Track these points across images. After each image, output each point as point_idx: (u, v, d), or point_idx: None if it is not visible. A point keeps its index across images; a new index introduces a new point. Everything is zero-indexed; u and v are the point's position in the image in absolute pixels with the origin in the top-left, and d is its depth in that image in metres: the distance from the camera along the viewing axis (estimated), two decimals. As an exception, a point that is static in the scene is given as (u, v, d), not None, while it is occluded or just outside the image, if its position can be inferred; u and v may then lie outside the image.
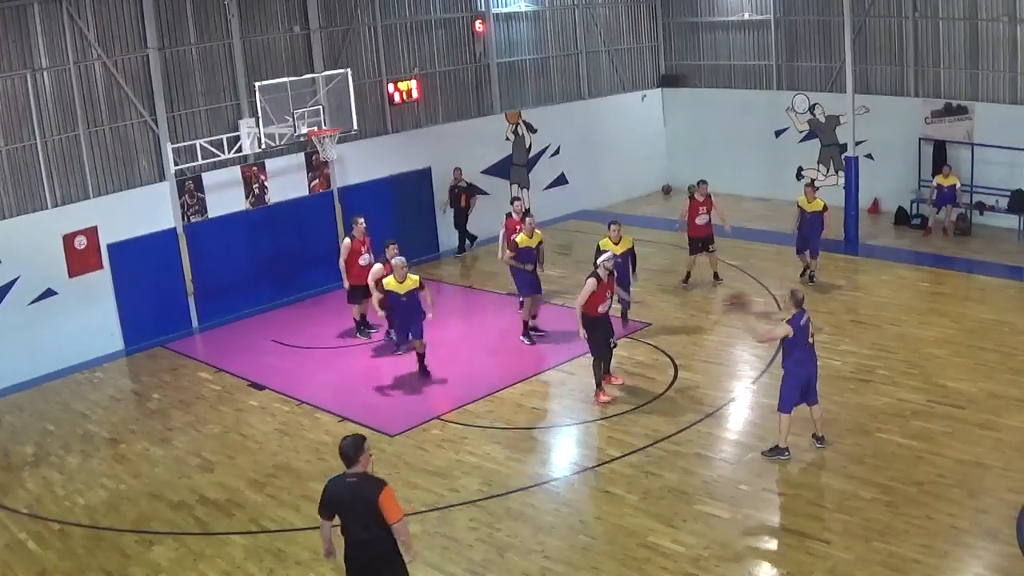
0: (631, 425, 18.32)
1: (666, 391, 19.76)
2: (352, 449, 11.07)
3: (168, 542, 15.75)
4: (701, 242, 25.85)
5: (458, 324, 24.91)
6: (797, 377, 16.32)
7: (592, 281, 19.08)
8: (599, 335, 19.38)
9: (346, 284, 23.83)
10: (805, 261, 25.63)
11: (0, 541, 16.25)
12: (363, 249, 23.74)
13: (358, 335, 24.26)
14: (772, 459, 16.52)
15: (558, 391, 20.37)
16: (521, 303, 23.62)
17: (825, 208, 25.05)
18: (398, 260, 20.84)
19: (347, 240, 23.92)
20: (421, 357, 21.31)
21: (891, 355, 20.54)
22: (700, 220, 25.65)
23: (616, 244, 21.94)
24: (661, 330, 22.78)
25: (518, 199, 26.06)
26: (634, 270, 22.55)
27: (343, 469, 11.12)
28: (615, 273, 19.84)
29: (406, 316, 21.03)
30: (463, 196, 30.67)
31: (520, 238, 22.99)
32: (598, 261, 19.68)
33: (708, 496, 15.60)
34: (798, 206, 25.32)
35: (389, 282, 20.82)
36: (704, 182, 25.64)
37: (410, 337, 21.13)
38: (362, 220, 23.98)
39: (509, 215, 24.89)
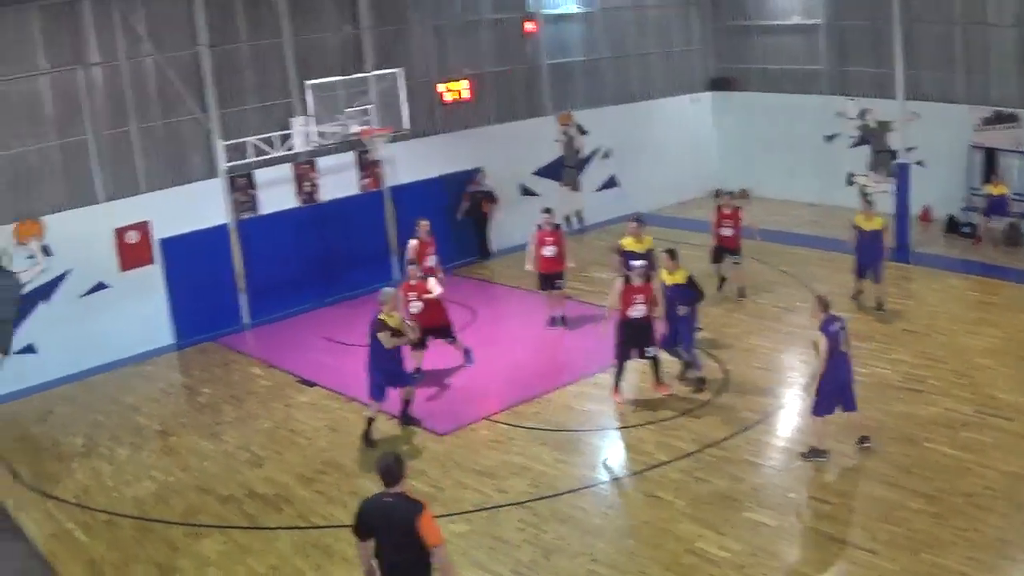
0: (680, 430, 18.12)
1: (716, 396, 19.55)
2: (396, 466, 10.38)
3: (216, 535, 15.76)
4: (725, 252, 25.12)
5: (508, 325, 24.86)
6: (830, 383, 16.19)
7: (620, 281, 19.15)
8: (624, 339, 19.35)
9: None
10: (860, 286, 23.95)
11: (48, 531, 16.35)
12: (430, 251, 23.76)
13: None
14: (812, 461, 16.35)
15: (608, 394, 20.09)
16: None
17: (885, 227, 23.69)
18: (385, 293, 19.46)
19: (413, 241, 23.82)
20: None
21: (940, 364, 20.20)
22: (725, 231, 24.92)
23: (639, 243, 22.09)
24: (711, 335, 22.51)
25: (549, 210, 24.60)
26: (689, 303, 20.14)
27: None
28: (650, 278, 19.63)
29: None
30: (483, 201, 30.34)
31: (626, 241, 22.54)
32: (630, 265, 19.73)
33: (756, 503, 15.40)
34: (854, 226, 23.69)
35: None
36: (730, 193, 25.28)
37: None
38: (427, 223, 24.02)
39: (539, 227, 23.99)
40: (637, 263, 19.69)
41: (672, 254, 20.16)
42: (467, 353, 21.84)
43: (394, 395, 18.99)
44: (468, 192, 30.07)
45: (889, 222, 25.23)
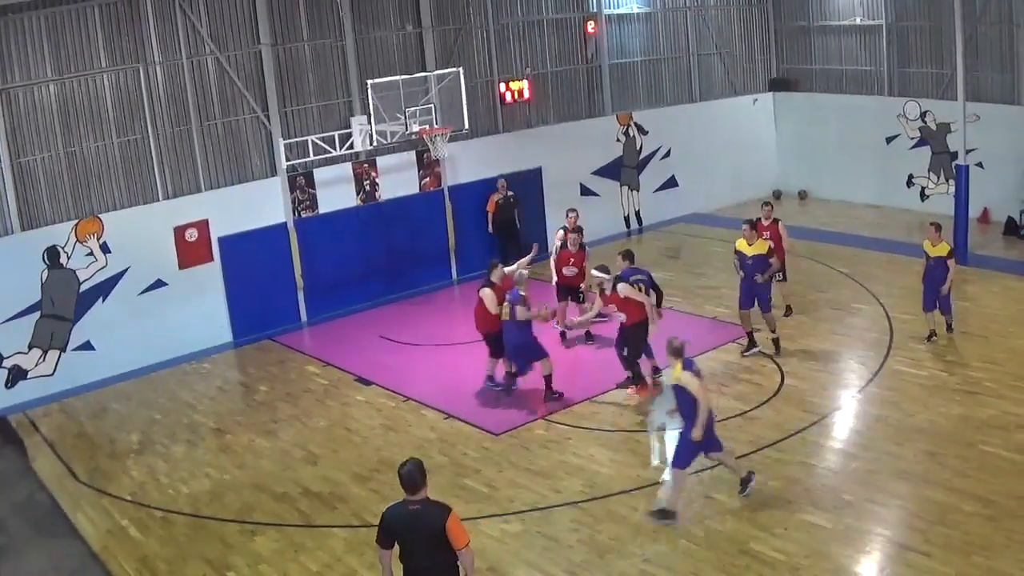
0: (736, 431, 17.82)
1: (772, 398, 19.31)
2: (419, 474, 10.44)
3: (270, 533, 15.72)
4: None
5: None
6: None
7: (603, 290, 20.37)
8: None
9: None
10: (932, 324, 21.49)
11: (103, 527, 16.38)
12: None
13: None
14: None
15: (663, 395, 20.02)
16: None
17: (951, 253, 21.39)
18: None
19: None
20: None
21: (998, 367, 19.83)
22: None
23: (750, 245, 21.55)
24: (768, 336, 22.28)
25: (573, 210, 24.04)
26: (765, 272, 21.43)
27: (429, 476, 10.65)
28: (607, 289, 20.11)
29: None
30: (512, 207, 29.39)
31: (740, 243, 21.88)
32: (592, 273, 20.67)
33: (811, 505, 15.18)
34: (924, 250, 21.82)
35: None
36: (768, 204, 24.30)
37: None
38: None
39: (565, 229, 23.54)
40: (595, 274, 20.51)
41: (752, 225, 21.68)
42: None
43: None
44: (495, 201, 29.24)
45: (943, 218, 24.60)
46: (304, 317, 26.57)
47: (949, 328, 21.69)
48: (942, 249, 21.34)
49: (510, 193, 29.16)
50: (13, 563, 15.40)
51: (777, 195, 36.27)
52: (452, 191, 28.85)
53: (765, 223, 23.48)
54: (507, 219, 29.06)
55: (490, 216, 29.04)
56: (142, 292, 23.79)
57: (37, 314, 22.50)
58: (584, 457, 17.46)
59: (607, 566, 14.05)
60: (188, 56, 24.25)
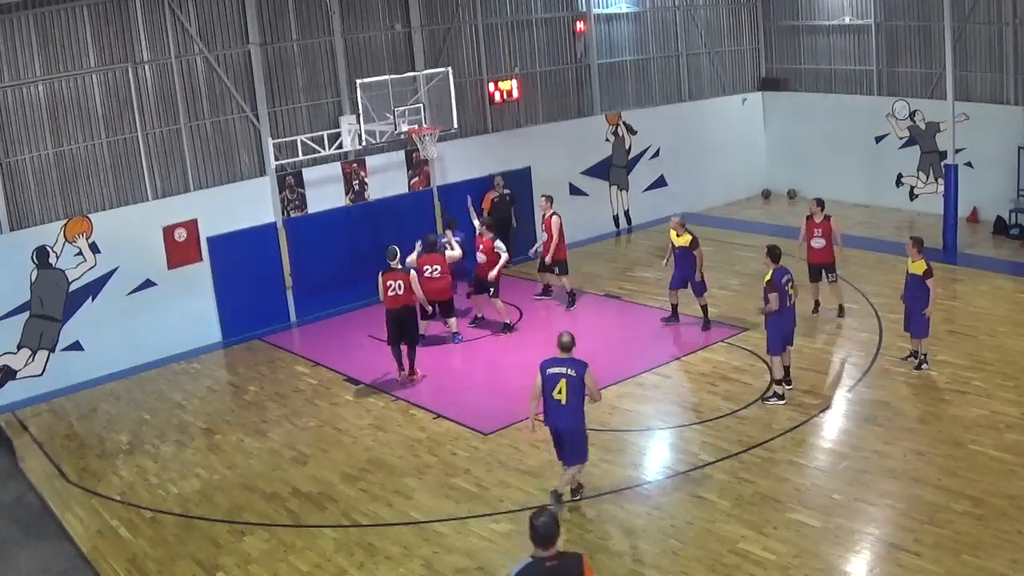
0: (725, 430, 17.97)
1: (761, 397, 19.35)
2: (556, 527, 9.64)
3: (260, 533, 15.71)
4: (819, 269, 23.44)
5: (553, 325, 24.71)
6: (779, 328, 18.87)
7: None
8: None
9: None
10: (914, 344, 20.39)
11: (92, 527, 16.36)
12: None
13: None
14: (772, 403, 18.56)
15: (652, 394, 20.01)
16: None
17: (927, 273, 19.60)
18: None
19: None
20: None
21: (987, 367, 19.92)
22: (816, 243, 23.34)
23: (678, 236, 23.22)
24: (758, 336, 22.26)
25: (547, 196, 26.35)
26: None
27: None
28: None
29: None
30: (509, 206, 29.38)
31: (671, 234, 23.44)
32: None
33: (800, 504, 15.23)
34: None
35: None
36: (818, 202, 23.63)
37: None
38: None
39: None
40: None
41: (681, 221, 23.45)
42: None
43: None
44: (491, 199, 29.22)
45: (932, 218, 24.60)
46: (293, 317, 26.54)
47: (917, 360, 20.14)
48: (918, 267, 19.73)
49: (506, 191, 29.17)
50: (2, 564, 15.38)
51: (767, 194, 36.36)
52: (441, 191, 28.82)
53: (817, 220, 23.43)
54: (503, 217, 28.99)
55: (486, 214, 28.85)
56: (131, 292, 23.74)
57: (26, 314, 22.46)
58: (573, 456, 17.43)
59: (597, 566, 13.93)
60: (177, 55, 24.22)
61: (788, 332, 19.18)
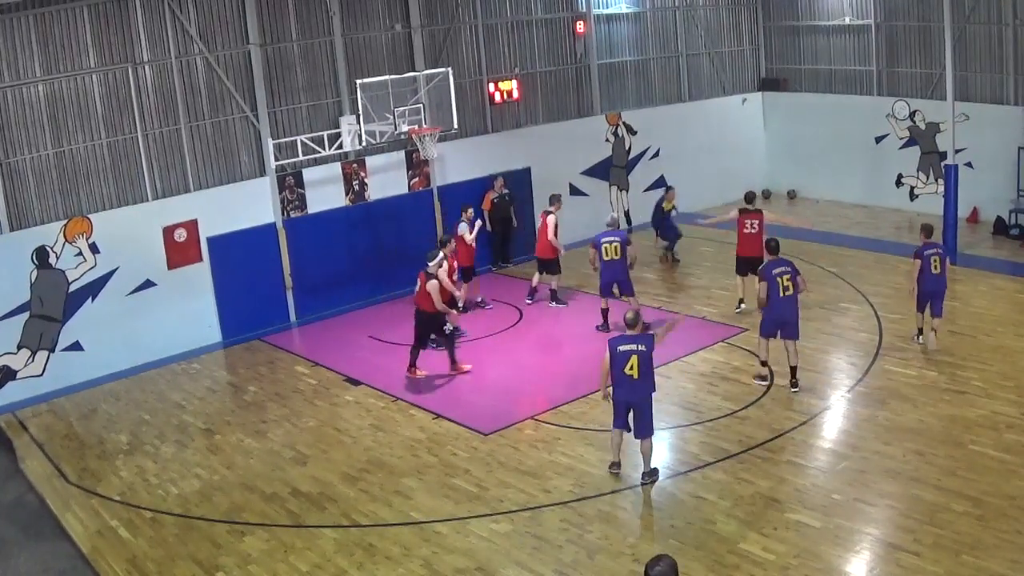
0: (725, 431, 17.96)
1: (761, 398, 19.32)
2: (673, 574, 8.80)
3: (259, 533, 15.70)
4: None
5: (553, 325, 24.74)
6: (771, 313, 19.37)
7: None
8: None
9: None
10: (921, 322, 21.22)
11: (92, 527, 16.34)
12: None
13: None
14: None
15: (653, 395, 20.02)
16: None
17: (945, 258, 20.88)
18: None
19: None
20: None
21: (987, 367, 19.91)
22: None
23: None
24: (755, 336, 22.28)
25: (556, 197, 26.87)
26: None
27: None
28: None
29: None
30: (509, 206, 29.50)
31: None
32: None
33: (800, 504, 15.22)
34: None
35: None
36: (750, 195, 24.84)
37: None
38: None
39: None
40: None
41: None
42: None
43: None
44: (491, 199, 29.26)
45: (932, 217, 24.70)
46: (293, 317, 26.53)
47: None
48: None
49: (506, 191, 29.17)
50: (2, 565, 15.36)
51: (767, 195, 36.30)
52: (441, 191, 28.81)
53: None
54: (503, 217, 29.08)
55: (486, 214, 28.97)
56: (131, 292, 23.73)
57: (26, 314, 22.44)
58: (573, 457, 17.46)
59: (596, 566, 14.05)
60: (177, 56, 24.21)
61: (783, 320, 19.40)
